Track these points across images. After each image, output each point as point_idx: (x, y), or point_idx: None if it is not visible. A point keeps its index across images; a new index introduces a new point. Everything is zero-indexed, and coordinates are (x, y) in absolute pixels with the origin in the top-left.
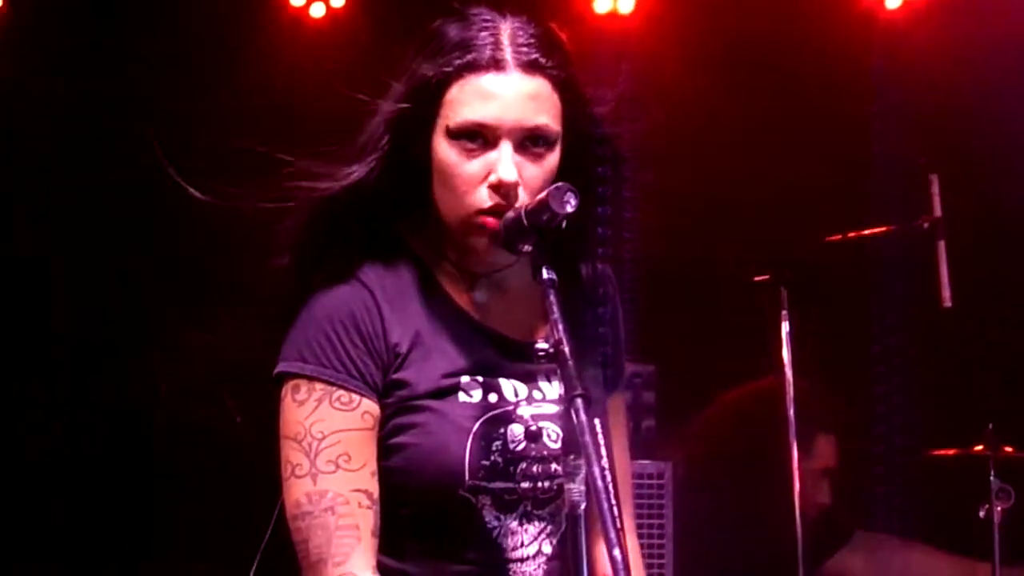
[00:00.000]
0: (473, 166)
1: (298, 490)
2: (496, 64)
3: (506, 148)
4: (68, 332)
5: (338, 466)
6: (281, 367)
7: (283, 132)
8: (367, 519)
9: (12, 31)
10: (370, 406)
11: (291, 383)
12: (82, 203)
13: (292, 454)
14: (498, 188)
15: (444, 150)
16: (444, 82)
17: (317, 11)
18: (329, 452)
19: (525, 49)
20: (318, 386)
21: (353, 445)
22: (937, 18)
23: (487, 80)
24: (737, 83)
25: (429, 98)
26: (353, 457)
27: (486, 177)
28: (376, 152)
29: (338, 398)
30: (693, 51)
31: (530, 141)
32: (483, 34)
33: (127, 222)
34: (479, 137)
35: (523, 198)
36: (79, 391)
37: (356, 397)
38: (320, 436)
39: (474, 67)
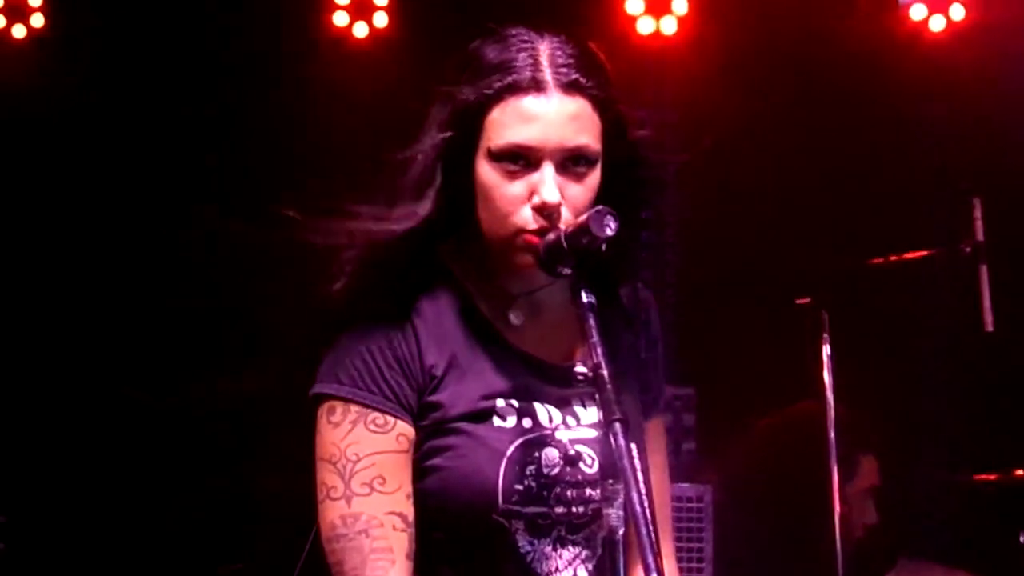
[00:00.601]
0: (516, 188)
1: (333, 512)
2: (536, 85)
3: (548, 169)
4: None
5: (373, 488)
6: (316, 388)
7: (328, 152)
8: (401, 542)
9: (53, 51)
10: (405, 428)
11: (326, 405)
12: (114, 227)
13: (327, 476)
14: (541, 209)
15: (487, 173)
16: (485, 105)
17: (360, 31)
18: (364, 475)
19: (565, 69)
20: (353, 408)
21: (388, 467)
22: (981, 40)
23: (528, 102)
24: (779, 105)
25: (471, 122)
26: (388, 479)
27: (529, 198)
28: (432, 185)
29: (373, 420)
30: (736, 72)
31: (571, 161)
32: (522, 55)
33: (158, 249)
34: (521, 159)
35: (566, 217)
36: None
37: (391, 419)
38: (355, 458)
39: (514, 89)
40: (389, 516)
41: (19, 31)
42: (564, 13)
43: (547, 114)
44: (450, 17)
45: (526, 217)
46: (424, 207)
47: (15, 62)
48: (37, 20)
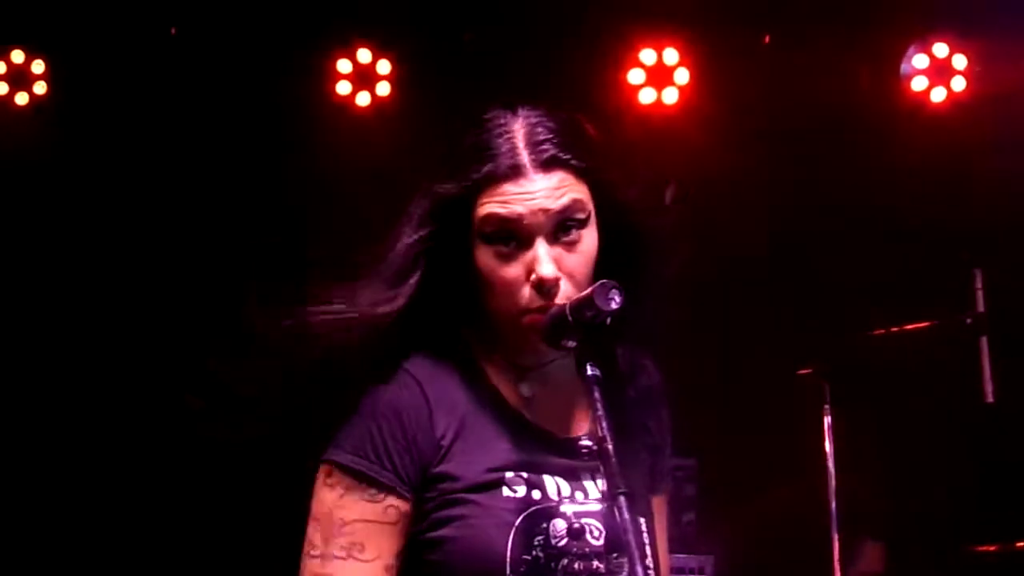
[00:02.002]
0: (513, 269)
1: (308, 569)
2: (515, 171)
3: (540, 245)
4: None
5: (349, 554)
6: (324, 455)
7: (329, 221)
8: None
9: (55, 119)
10: (397, 502)
11: (326, 467)
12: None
13: (311, 533)
14: (540, 287)
15: (483, 257)
16: (468, 196)
17: (363, 100)
18: (344, 539)
19: (543, 147)
20: (349, 475)
21: (370, 536)
22: (983, 111)
23: (508, 188)
24: (781, 175)
25: (458, 213)
26: (367, 548)
27: (527, 277)
28: (414, 275)
29: (365, 489)
30: (737, 143)
31: (562, 230)
32: (498, 141)
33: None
34: (512, 239)
35: (566, 289)
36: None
37: (384, 491)
38: (340, 523)
39: (492, 179)
40: None
41: (22, 98)
42: (566, 84)
43: (529, 193)
44: (451, 86)
45: (527, 296)
46: (402, 298)
47: (17, 129)
48: (40, 88)
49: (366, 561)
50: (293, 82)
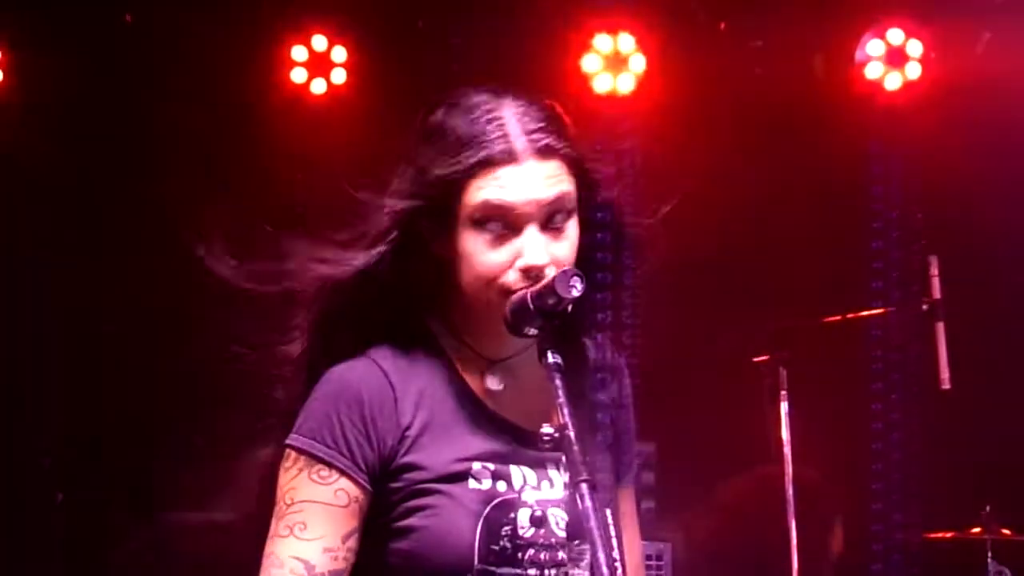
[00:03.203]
0: (501, 254)
1: (264, 551)
2: (510, 156)
3: (531, 231)
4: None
5: (291, 532)
6: (287, 440)
7: (283, 207)
8: None
9: (12, 103)
10: (348, 485)
11: (286, 452)
12: (77, 281)
13: (272, 519)
14: (528, 272)
15: (470, 241)
16: (460, 181)
17: (318, 87)
18: (289, 519)
19: (536, 135)
20: (303, 458)
21: (314, 516)
22: (937, 100)
23: (504, 173)
24: (736, 166)
25: (447, 196)
26: (309, 527)
27: (513, 262)
28: (382, 245)
29: (317, 471)
30: (692, 134)
31: (550, 219)
32: (491, 127)
33: (120, 297)
34: (502, 223)
35: (552, 275)
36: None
37: (336, 474)
38: (289, 503)
39: (488, 163)
40: (292, 560)
41: None
42: (521, 71)
43: (523, 181)
44: (408, 75)
45: (512, 279)
46: (362, 259)
47: None
48: None
49: (305, 540)
50: (247, 70)
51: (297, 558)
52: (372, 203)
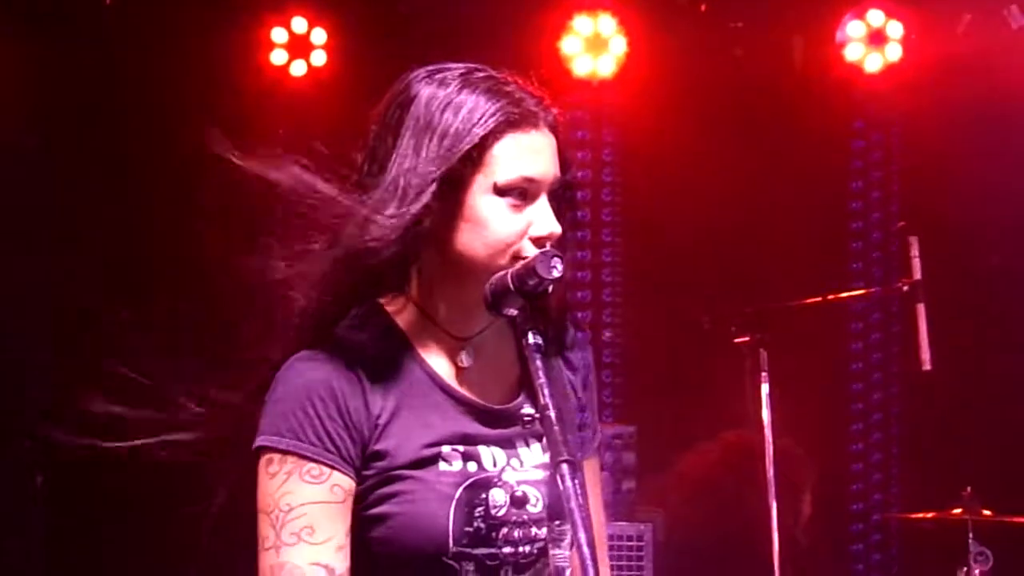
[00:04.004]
0: (518, 221)
1: (264, 562)
2: (534, 121)
3: (544, 202)
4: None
5: (300, 538)
6: (259, 441)
7: (265, 192)
8: None
9: None
10: (341, 479)
11: (266, 456)
12: (57, 264)
13: (262, 527)
14: (541, 241)
15: (490, 206)
16: (485, 140)
17: (298, 69)
18: (293, 524)
19: (544, 106)
20: (290, 459)
21: (319, 518)
22: (917, 81)
23: (530, 137)
24: (717, 148)
25: (466, 157)
26: (317, 530)
27: (526, 230)
28: (420, 202)
29: (308, 471)
30: (673, 116)
31: (553, 194)
32: (507, 89)
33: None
34: (525, 192)
35: None
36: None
37: (327, 470)
38: (287, 508)
39: (517, 124)
40: (313, 567)
41: None
42: (500, 51)
43: (545, 148)
44: (387, 56)
45: (524, 247)
46: (418, 210)
47: None
48: None
49: (317, 544)
50: (227, 51)
51: (317, 564)
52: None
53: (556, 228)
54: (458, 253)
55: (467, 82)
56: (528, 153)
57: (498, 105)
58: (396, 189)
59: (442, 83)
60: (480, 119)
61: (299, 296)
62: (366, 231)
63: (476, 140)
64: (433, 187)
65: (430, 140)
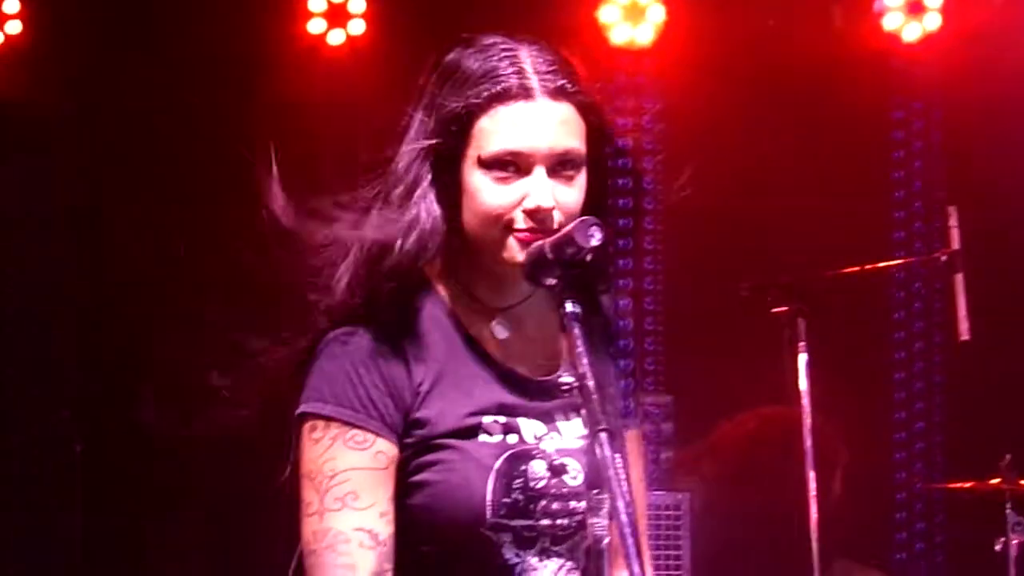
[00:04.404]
0: (508, 193)
1: (307, 528)
2: (524, 92)
3: (540, 173)
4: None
5: (344, 504)
6: (302, 407)
7: (303, 162)
8: (367, 560)
9: (29, 59)
10: (385, 446)
11: (310, 422)
12: (96, 231)
13: (305, 492)
14: (535, 214)
15: (477, 180)
16: (472, 114)
17: (336, 38)
18: (337, 490)
19: (550, 76)
20: (334, 425)
21: (362, 484)
22: (956, 50)
23: (517, 109)
24: (756, 117)
25: (457, 131)
26: (361, 496)
27: (520, 202)
28: (421, 189)
29: (352, 437)
30: (712, 85)
31: (560, 165)
32: (504, 63)
33: (137, 253)
34: (511, 165)
35: (559, 220)
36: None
37: (371, 437)
38: (331, 474)
39: (502, 97)
40: (357, 532)
41: None
42: (537, 21)
43: (537, 120)
44: (426, 25)
45: (517, 219)
46: (428, 213)
47: None
48: (13, 27)
49: (361, 509)
50: (264, 20)
51: (361, 529)
52: (393, 153)
53: (546, 202)
54: (464, 227)
55: (464, 56)
56: (512, 126)
57: (485, 78)
58: (396, 172)
59: (448, 58)
60: (467, 93)
61: (342, 270)
62: (375, 234)
63: (460, 114)
64: (425, 166)
65: (427, 115)
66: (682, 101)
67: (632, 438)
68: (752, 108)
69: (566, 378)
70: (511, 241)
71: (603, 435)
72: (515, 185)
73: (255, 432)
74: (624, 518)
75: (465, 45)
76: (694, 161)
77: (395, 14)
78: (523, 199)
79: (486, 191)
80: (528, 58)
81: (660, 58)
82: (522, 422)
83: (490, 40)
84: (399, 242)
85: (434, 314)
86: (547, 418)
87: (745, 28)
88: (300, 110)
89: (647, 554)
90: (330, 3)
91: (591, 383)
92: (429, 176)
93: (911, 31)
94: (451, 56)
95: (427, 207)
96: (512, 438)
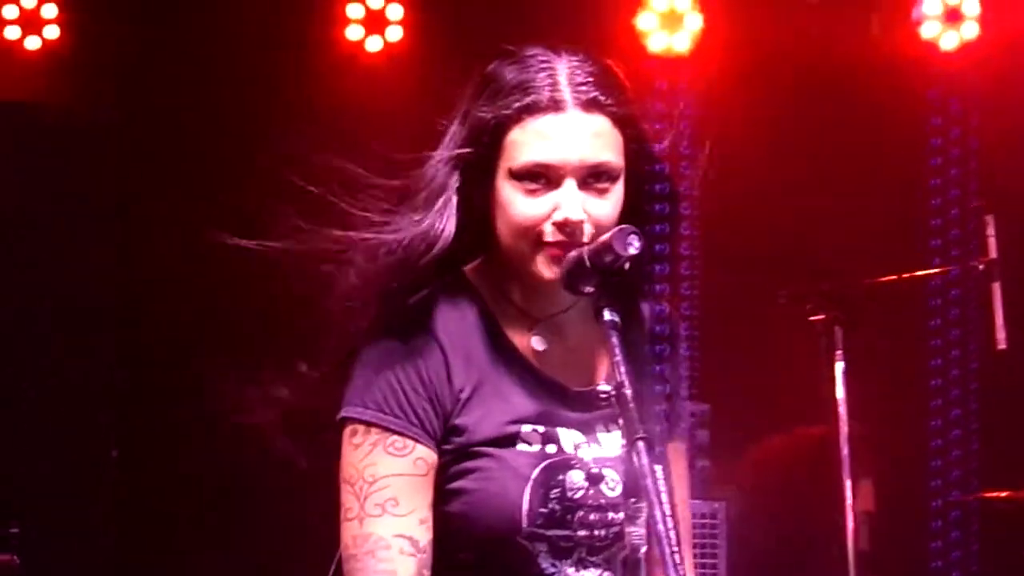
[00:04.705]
0: (538, 205)
1: (347, 533)
2: (555, 105)
3: (570, 186)
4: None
5: (385, 510)
6: (343, 412)
7: (339, 169)
8: (407, 567)
9: (67, 64)
10: (425, 452)
11: (350, 427)
12: (137, 239)
13: (345, 497)
14: (564, 226)
15: (507, 191)
16: (504, 125)
17: (374, 45)
18: (377, 496)
19: (584, 88)
20: (375, 431)
21: (402, 490)
22: (994, 57)
23: (546, 121)
24: (793, 124)
25: (489, 141)
26: (401, 502)
27: (551, 214)
28: (444, 198)
29: (392, 443)
30: (748, 92)
31: (593, 177)
32: (540, 75)
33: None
34: (542, 177)
35: (590, 233)
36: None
37: (411, 443)
38: (371, 480)
39: (533, 109)
40: (397, 539)
41: (33, 43)
42: (575, 28)
43: (567, 132)
44: (464, 32)
45: (547, 232)
46: (431, 219)
47: (28, 75)
48: (51, 32)
49: (401, 516)
50: (303, 27)
51: (401, 535)
52: (427, 160)
53: (575, 214)
54: (498, 238)
55: (502, 67)
56: (541, 139)
57: (517, 89)
58: (423, 177)
59: (488, 69)
60: (499, 104)
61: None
62: (387, 238)
63: (491, 125)
64: (454, 175)
65: (461, 125)
66: (719, 108)
67: (676, 449)
68: (789, 115)
69: (603, 387)
70: (541, 256)
71: (641, 444)
72: (545, 197)
73: (296, 438)
74: (661, 528)
75: (505, 56)
76: (715, 144)
77: (433, 21)
78: (553, 211)
79: (516, 203)
80: (565, 70)
81: (697, 65)
82: (561, 432)
83: (530, 52)
84: (406, 241)
85: (476, 321)
86: (586, 428)
87: (782, 35)
88: (338, 116)
89: (690, 564)
90: (368, 9)
91: (629, 392)
92: (456, 185)
93: (949, 40)
94: (490, 67)
95: (446, 215)
96: (551, 447)
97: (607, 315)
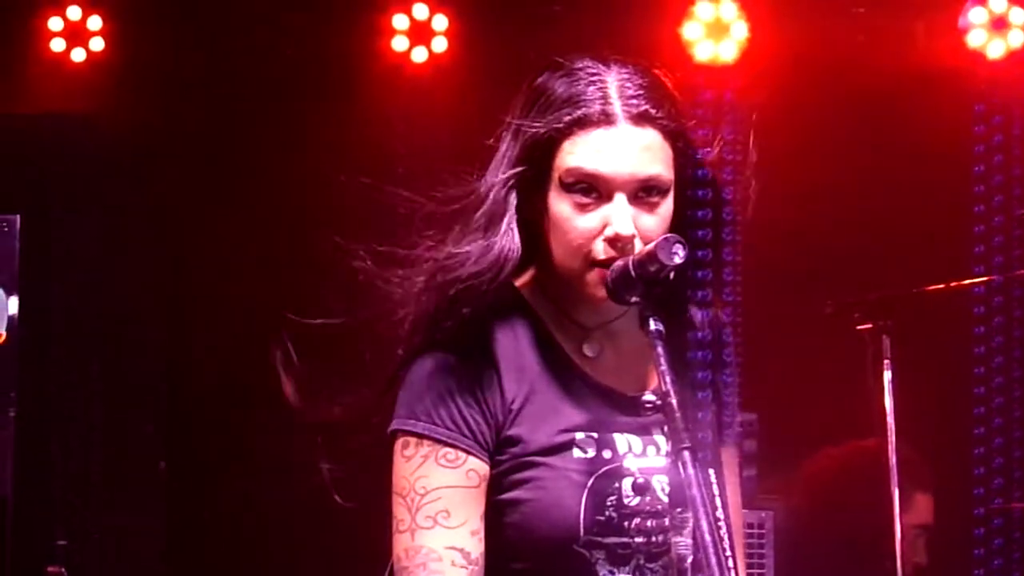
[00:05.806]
0: (588, 220)
1: (399, 545)
2: (606, 118)
3: (621, 201)
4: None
5: (436, 522)
6: (394, 424)
7: (385, 179)
8: None
9: (112, 76)
10: (477, 464)
11: (402, 439)
12: (185, 249)
13: (397, 509)
14: (614, 242)
15: (559, 205)
16: (555, 139)
17: (419, 56)
18: (429, 508)
19: (634, 101)
20: (426, 443)
21: (454, 502)
22: None
23: (597, 135)
24: (839, 133)
25: (541, 156)
26: (453, 514)
27: (602, 230)
28: (507, 219)
29: (444, 455)
30: (794, 101)
31: (644, 192)
32: (591, 88)
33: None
34: (593, 191)
35: (640, 248)
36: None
37: (462, 455)
38: (423, 492)
39: (584, 123)
40: (449, 551)
41: (79, 55)
42: (620, 38)
43: (617, 146)
44: (509, 42)
45: (598, 249)
46: (502, 242)
47: (74, 87)
48: (97, 44)
49: (453, 528)
50: (348, 38)
51: (453, 548)
52: (479, 178)
53: (626, 229)
54: (549, 250)
55: (551, 80)
56: (592, 152)
57: (568, 103)
58: (480, 195)
59: (537, 82)
60: (550, 118)
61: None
62: (454, 272)
63: (543, 139)
64: (511, 193)
65: (513, 140)
66: (764, 117)
67: (728, 454)
68: (834, 123)
69: (648, 396)
70: (592, 275)
71: (685, 453)
72: (596, 213)
73: (348, 449)
74: (708, 537)
75: (554, 68)
76: (761, 152)
77: (478, 32)
78: (604, 227)
79: (568, 218)
80: (615, 82)
81: (743, 75)
82: (616, 438)
83: (579, 64)
84: (475, 266)
85: (527, 331)
86: (643, 432)
87: (828, 45)
88: (383, 127)
89: (743, 572)
90: (413, 21)
91: (673, 400)
92: (514, 203)
93: (995, 48)
94: (540, 80)
95: (509, 234)
96: (606, 454)
97: (652, 325)
